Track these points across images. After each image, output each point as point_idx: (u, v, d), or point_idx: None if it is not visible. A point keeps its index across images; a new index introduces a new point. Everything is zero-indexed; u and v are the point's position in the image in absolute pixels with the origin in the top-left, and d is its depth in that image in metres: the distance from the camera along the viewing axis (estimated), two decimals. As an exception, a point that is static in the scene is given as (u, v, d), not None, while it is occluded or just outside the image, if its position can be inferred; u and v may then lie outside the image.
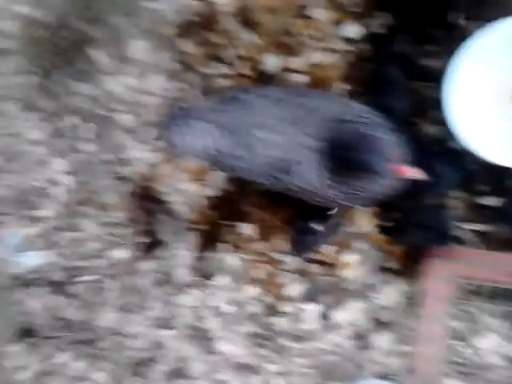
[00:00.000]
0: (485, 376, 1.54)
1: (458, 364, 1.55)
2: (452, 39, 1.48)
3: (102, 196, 1.83)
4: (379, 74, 1.57)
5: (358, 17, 1.62)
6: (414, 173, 1.22)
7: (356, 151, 1.22)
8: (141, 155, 1.80)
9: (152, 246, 1.78)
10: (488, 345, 1.55)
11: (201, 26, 1.74)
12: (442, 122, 1.48)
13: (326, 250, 1.63)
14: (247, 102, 1.35)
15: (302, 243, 1.66)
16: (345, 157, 1.26)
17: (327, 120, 1.30)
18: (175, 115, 1.44)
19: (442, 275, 1.50)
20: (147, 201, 1.79)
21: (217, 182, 1.72)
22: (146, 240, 1.77)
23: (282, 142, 1.31)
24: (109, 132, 1.83)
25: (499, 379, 1.54)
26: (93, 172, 1.84)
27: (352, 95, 1.58)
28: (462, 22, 1.53)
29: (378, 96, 1.54)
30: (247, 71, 1.69)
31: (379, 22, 1.60)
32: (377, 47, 1.58)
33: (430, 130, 1.55)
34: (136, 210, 1.79)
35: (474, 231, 1.55)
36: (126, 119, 1.81)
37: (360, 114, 1.32)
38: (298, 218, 1.64)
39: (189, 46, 1.75)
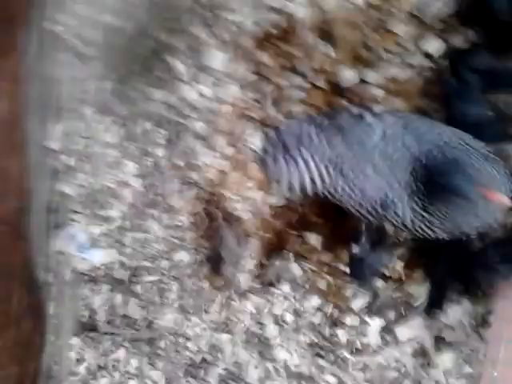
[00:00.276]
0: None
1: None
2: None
3: (168, 199, 1.87)
4: (453, 81, 1.57)
5: (439, 32, 1.64)
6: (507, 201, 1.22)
7: (447, 175, 1.25)
8: (210, 161, 1.84)
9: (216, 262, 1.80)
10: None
11: (278, 38, 1.79)
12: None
13: (393, 265, 1.63)
14: (356, 134, 1.38)
15: (361, 269, 1.66)
16: (436, 181, 1.28)
17: (423, 151, 1.32)
18: (276, 144, 1.52)
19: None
20: (213, 207, 1.83)
21: (282, 191, 1.74)
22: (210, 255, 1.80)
23: (382, 180, 1.35)
24: (181, 138, 1.88)
25: None
26: (162, 176, 1.89)
27: (429, 111, 1.59)
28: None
29: (452, 104, 1.54)
30: (322, 84, 1.72)
31: (462, 38, 1.61)
32: (457, 60, 1.59)
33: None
34: (200, 215, 1.83)
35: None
36: (199, 126, 1.86)
37: (454, 137, 1.33)
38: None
39: (265, 58, 1.80)
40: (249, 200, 1.80)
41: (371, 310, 1.65)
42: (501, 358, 1.48)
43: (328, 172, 1.42)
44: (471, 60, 1.57)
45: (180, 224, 1.85)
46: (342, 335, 1.66)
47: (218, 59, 1.85)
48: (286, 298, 1.72)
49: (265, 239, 1.77)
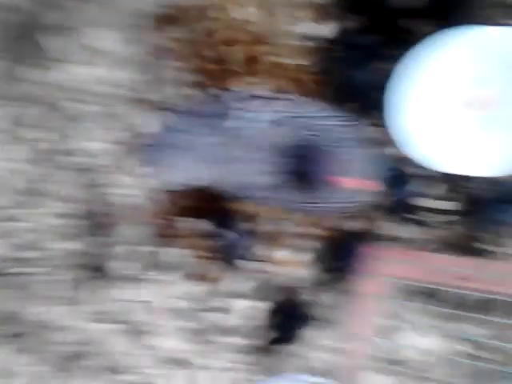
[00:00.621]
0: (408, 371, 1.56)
1: (383, 359, 1.56)
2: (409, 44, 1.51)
3: (58, 187, 1.78)
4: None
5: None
6: (364, 184, 1.29)
7: (307, 163, 1.37)
8: (104, 146, 1.77)
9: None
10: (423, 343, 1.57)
11: (175, 20, 1.74)
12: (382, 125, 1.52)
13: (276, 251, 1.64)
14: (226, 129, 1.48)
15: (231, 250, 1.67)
16: (297, 168, 1.41)
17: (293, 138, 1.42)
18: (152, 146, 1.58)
19: (374, 274, 1.52)
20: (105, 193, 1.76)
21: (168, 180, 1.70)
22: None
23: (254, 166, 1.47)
24: (73, 121, 1.79)
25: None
26: (51, 162, 1.80)
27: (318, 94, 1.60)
28: (419, 28, 1.57)
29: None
30: (216, 66, 1.70)
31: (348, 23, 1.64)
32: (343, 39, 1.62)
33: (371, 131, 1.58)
34: (93, 202, 1.76)
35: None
36: (92, 110, 1.78)
37: (320, 123, 1.41)
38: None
39: (163, 40, 1.75)
40: (140, 187, 1.74)
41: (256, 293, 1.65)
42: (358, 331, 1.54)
43: (209, 161, 1.51)
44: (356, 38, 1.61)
45: (69, 212, 1.77)
46: (214, 318, 1.66)
47: (111, 40, 1.78)
48: (160, 284, 1.69)
49: (153, 225, 1.71)
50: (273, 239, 1.65)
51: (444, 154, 1.48)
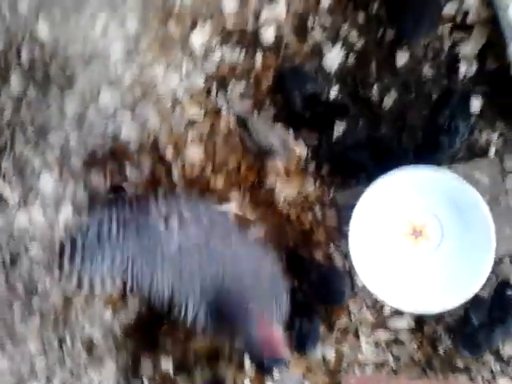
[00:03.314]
0: None
1: None
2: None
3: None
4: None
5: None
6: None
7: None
8: (51, 286, 1.76)
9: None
10: None
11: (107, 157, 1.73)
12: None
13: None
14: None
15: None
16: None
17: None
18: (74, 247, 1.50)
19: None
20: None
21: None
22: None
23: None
24: (17, 262, 1.78)
25: None
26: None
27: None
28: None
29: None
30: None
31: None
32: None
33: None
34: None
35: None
36: (34, 251, 1.77)
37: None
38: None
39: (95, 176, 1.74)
40: (100, 320, 1.75)
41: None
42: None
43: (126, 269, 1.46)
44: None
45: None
46: None
47: (45, 180, 1.76)
48: None
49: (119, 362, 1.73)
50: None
51: (388, 288, 1.49)
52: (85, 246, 1.49)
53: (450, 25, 1.61)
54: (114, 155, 1.72)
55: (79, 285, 1.52)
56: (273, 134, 1.64)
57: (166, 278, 1.42)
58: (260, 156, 1.67)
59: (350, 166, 1.62)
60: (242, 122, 1.67)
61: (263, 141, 1.64)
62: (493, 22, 1.56)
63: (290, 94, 1.65)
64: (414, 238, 1.55)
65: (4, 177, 1.77)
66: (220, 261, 1.41)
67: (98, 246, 1.48)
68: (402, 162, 1.50)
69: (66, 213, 1.74)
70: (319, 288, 1.58)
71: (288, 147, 1.65)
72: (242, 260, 1.44)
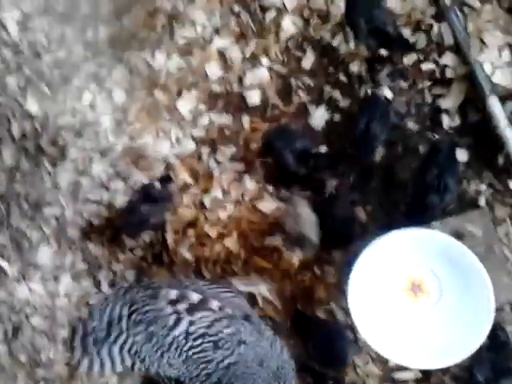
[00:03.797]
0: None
1: None
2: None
3: None
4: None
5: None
6: None
7: None
8: (54, 356, 1.77)
9: None
10: None
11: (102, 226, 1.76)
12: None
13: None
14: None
15: None
16: None
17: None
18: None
19: None
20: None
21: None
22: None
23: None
24: (19, 333, 1.79)
25: None
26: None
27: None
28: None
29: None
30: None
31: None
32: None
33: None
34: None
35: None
36: (36, 321, 1.78)
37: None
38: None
39: (92, 246, 1.76)
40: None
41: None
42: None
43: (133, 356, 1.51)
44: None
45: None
46: None
47: (43, 252, 1.78)
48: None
49: None
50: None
51: (390, 345, 1.50)
52: (95, 329, 1.57)
53: (429, 82, 1.65)
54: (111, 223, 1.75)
55: (90, 366, 1.58)
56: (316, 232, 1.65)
57: (173, 361, 1.45)
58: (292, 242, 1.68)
59: (340, 236, 1.65)
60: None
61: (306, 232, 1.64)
62: (470, 77, 1.61)
63: (281, 153, 1.67)
64: (413, 294, 1.57)
65: (2, 253, 1.78)
66: (226, 348, 1.44)
67: (108, 329, 1.55)
68: (396, 223, 1.54)
69: (66, 283, 1.76)
70: (323, 351, 1.59)
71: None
72: (251, 347, 1.44)
